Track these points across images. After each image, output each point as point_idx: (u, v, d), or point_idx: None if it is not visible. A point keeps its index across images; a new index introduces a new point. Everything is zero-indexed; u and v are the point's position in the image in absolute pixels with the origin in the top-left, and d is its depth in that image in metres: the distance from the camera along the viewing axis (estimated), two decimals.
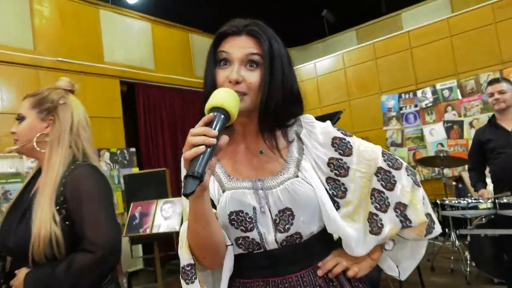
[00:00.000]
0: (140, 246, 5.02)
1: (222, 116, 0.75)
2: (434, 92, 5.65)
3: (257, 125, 0.89)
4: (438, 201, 3.76)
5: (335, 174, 0.90)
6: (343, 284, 0.90)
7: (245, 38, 0.87)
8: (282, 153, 0.90)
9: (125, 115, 5.56)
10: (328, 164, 0.90)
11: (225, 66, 0.87)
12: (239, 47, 0.86)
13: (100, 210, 1.19)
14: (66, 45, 5.11)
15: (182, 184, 0.71)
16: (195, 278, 0.87)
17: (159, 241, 3.86)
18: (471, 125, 5.35)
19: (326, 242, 0.93)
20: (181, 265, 0.88)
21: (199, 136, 0.71)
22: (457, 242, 3.53)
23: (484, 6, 5.36)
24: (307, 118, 0.95)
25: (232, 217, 0.86)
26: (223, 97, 0.77)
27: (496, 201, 2.57)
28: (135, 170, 5.12)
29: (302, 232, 0.87)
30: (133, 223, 3.72)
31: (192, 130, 0.73)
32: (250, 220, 0.86)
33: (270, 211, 0.86)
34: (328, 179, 0.91)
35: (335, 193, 0.91)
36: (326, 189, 0.90)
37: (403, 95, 5.95)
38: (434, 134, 5.65)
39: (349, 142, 0.92)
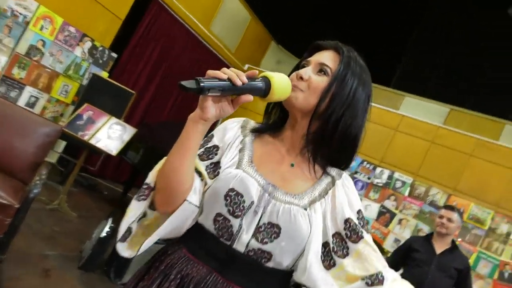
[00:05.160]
0: (64, 143, 4.82)
1: (262, 83, 0.80)
2: (390, 177, 5.99)
3: (303, 138, 0.92)
4: None
5: (346, 234, 0.88)
6: None
7: (329, 52, 0.93)
8: (307, 179, 0.92)
9: (125, 20, 5.30)
10: (345, 221, 0.88)
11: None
12: (320, 56, 0.93)
13: None
14: None
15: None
16: (143, 199, 0.86)
17: (89, 152, 3.74)
18: (400, 222, 5.73)
19: (280, 286, 0.90)
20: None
21: (232, 72, 0.76)
22: None
23: (471, 137, 5.77)
24: (348, 178, 0.96)
25: (230, 193, 0.85)
26: (276, 74, 0.82)
27: None
28: (104, 74, 4.91)
29: (274, 256, 0.85)
30: (76, 122, 3.57)
31: (231, 68, 0.77)
32: (242, 208, 0.85)
33: (261, 216, 0.85)
34: (336, 234, 0.89)
35: (335, 250, 0.88)
36: (328, 241, 0.88)
37: (365, 162, 6.24)
38: (368, 210, 5.98)
39: (362, 232, 0.90)
